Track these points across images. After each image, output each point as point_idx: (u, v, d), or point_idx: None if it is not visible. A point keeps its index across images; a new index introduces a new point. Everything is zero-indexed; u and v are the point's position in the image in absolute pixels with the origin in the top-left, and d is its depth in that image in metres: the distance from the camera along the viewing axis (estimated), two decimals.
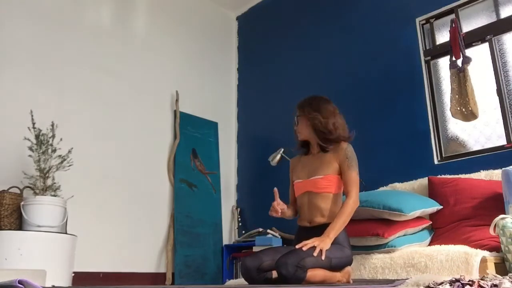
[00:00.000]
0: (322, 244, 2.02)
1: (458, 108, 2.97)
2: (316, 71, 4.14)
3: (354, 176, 2.18)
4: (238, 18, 5.16)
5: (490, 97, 3.06)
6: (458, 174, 2.88)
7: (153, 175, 3.93)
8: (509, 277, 1.52)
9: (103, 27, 3.86)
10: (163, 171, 4.03)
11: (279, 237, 3.79)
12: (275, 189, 2.21)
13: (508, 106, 2.97)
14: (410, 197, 2.70)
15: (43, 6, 3.49)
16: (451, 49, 3.07)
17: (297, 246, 2.02)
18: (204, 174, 4.30)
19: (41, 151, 2.86)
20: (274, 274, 2.06)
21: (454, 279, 1.47)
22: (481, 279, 1.47)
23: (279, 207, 2.17)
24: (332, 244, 2.06)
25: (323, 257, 1.97)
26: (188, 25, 4.59)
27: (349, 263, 2.15)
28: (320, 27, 4.22)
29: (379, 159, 3.44)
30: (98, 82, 3.70)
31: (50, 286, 1.85)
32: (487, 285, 1.37)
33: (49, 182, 2.85)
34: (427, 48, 3.45)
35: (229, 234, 4.42)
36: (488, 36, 3.13)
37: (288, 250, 2.07)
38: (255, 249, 3.64)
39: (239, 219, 4.43)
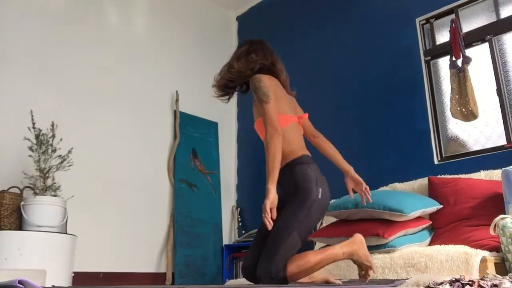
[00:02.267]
0: (265, 206, 1.76)
1: (458, 108, 2.97)
2: (316, 71, 4.14)
3: (264, 108, 1.95)
4: (238, 18, 5.16)
5: (490, 97, 3.06)
6: (458, 174, 2.88)
7: (153, 175, 3.93)
8: (509, 277, 1.52)
9: (103, 27, 3.86)
10: (163, 171, 4.03)
11: None
12: None
13: (508, 106, 2.97)
14: (410, 197, 2.70)
15: (43, 6, 3.49)
16: (451, 49, 3.07)
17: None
18: (204, 174, 4.30)
19: (41, 151, 2.86)
20: None
21: (454, 279, 1.47)
22: (481, 279, 1.47)
23: None
24: (285, 200, 1.86)
25: (269, 227, 1.73)
26: (188, 25, 4.59)
27: (324, 206, 1.88)
28: (320, 27, 4.22)
29: (379, 159, 3.44)
30: (98, 82, 3.69)
31: (50, 286, 1.85)
32: (487, 285, 1.37)
33: (49, 182, 2.85)
34: (427, 48, 3.45)
35: (229, 234, 4.42)
36: (488, 36, 3.13)
37: (261, 239, 1.91)
38: None
39: (239, 219, 4.43)
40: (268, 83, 2.05)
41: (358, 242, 1.91)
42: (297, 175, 1.93)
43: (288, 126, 2.04)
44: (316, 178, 1.93)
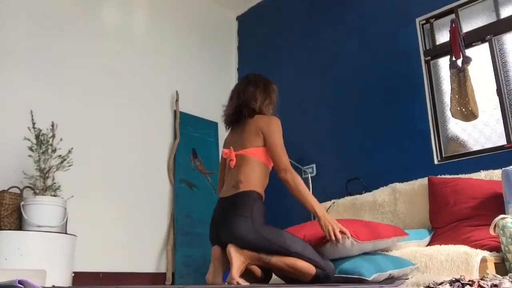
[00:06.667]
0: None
1: (458, 108, 2.97)
2: (316, 71, 4.14)
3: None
4: (238, 18, 5.16)
5: (490, 97, 3.06)
6: (458, 174, 2.88)
7: (153, 175, 3.93)
8: (509, 277, 1.52)
9: (103, 27, 3.86)
10: (163, 171, 4.03)
11: None
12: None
13: (508, 106, 2.97)
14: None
15: (43, 5, 3.49)
16: (451, 49, 3.07)
17: None
18: (204, 174, 4.30)
19: (41, 151, 2.86)
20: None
21: (454, 279, 1.47)
22: (481, 279, 1.47)
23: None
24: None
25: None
26: (188, 25, 4.59)
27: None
28: (320, 27, 4.22)
29: (379, 159, 3.44)
30: (98, 82, 3.69)
31: (50, 286, 1.85)
32: (487, 285, 1.37)
33: (49, 182, 2.85)
34: (427, 48, 3.45)
35: None
36: (488, 36, 3.13)
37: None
38: None
39: None
40: None
41: (233, 259, 1.99)
42: None
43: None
44: None
